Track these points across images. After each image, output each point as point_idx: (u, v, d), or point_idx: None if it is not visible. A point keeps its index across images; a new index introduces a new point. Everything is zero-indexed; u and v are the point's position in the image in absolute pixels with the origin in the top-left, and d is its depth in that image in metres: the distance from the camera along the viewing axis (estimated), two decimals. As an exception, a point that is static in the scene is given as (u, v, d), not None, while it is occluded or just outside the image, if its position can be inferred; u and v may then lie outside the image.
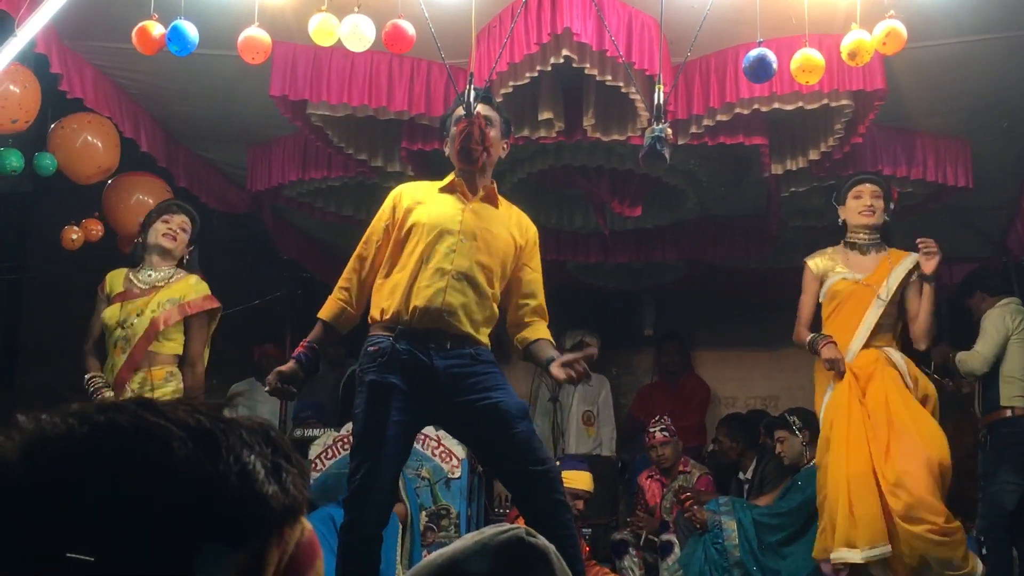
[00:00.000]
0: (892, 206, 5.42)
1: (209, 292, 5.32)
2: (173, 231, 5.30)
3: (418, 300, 4.00)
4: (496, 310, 4.21)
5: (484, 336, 4.14)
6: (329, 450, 6.59)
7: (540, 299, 4.31)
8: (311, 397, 8.36)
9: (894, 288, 5.22)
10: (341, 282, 4.26)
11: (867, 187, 5.36)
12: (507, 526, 1.52)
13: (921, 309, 5.25)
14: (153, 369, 5.13)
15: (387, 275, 4.14)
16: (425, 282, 4.02)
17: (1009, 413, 5.99)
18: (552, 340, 4.26)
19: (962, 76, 5.53)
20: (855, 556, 4.92)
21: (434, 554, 1.53)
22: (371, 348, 4.08)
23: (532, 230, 4.38)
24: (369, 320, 4.18)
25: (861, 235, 5.36)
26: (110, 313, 5.20)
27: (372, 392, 4.00)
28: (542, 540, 1.50)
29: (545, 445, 8.10)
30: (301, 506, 0.97)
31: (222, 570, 0.88)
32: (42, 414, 0.92)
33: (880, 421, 5.03)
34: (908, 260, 5.28)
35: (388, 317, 4.06)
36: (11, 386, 9.01)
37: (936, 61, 5.37)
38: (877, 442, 4.99)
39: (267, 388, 4.16)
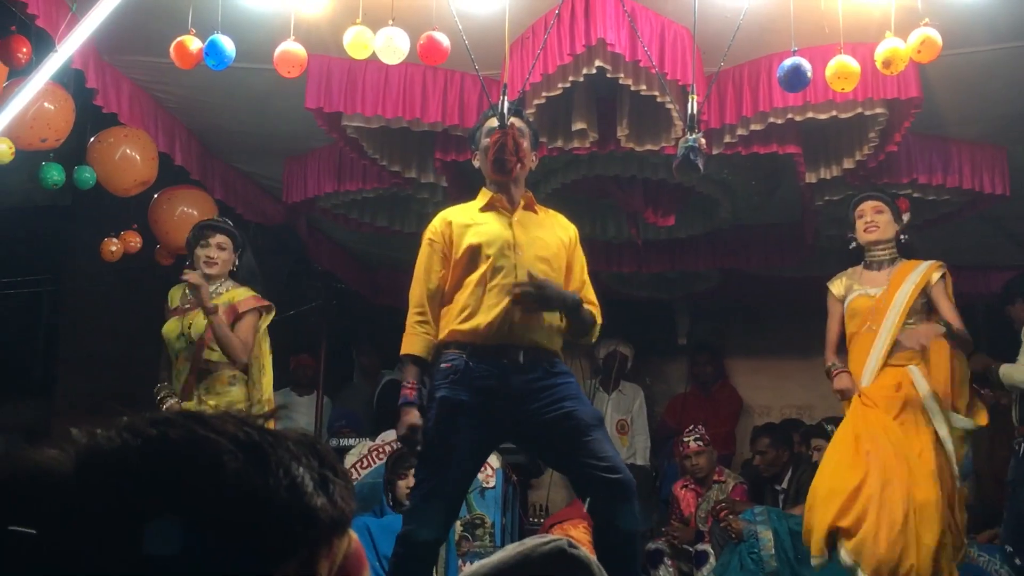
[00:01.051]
0: (904, 217, 5.37)
1: (256, 294, 5.47)
2: (212, 256, 5.42)
3: (488, 318, 4.03)
4: (561, 316, 4.20)
5: (557, 345, 4.16)
6: (364, 460, 6.62)
7: (589, 292, 4.32)
8: (345, 407, 8.41)
9: (905, 301, 5.15)
10: (415, 316, 4.19)
11: (867, 204, 5.35)
12: (549, 537, 1.54)
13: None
14: (216, 374, 5.30)
15: (452, 298, 4.16)
16: (492, 300, 4.05)
17: None
18: (591, 311, 4.24)
19: (998, 83, 5.50)
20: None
21: (476, 564, 1.55)
22: (444, 365, 4.09)
23: (572, 228, 4.43)
24: (441, 339, 4.18)
25: (872, 252, 5.35)
26: (170, 327, 5.40)
27: (442, 408, 4.02)
28: (583, 552, 1.51)
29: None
30: (349, 517, 0.99)
31: None
32: (96, 428, 0.94)
33: (880, 444, 5.01)
34: (921, 269, 5.20)
35: (460, 337, 4.08)
36: (51, 395, 9.12)
37: (972, 68, 5.34)
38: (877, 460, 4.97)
39: (413, 448, 4.12)
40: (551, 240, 4.23)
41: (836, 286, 5.43)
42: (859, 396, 5.13)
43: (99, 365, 8.63)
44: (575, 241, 4.38)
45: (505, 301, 4.03)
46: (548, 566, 1.48)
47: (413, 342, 4.18)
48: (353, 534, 1.01)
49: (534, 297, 4.03)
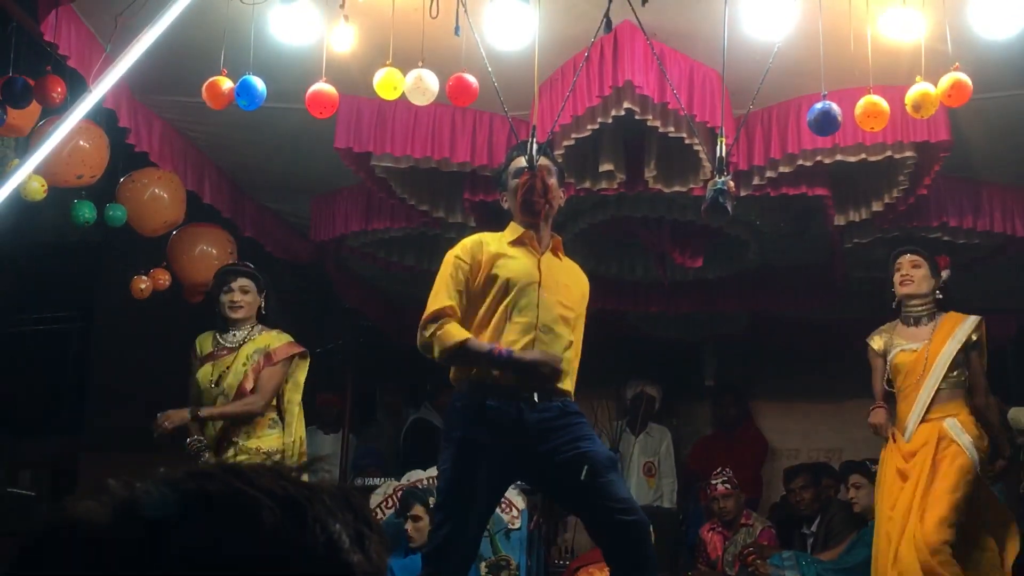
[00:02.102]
0: (944, 274, 5.38)
1: (292, 340, 5.41)
2: (236, 301, 5.34)
3: None
4: (577, 360, 4.20)
5: (570, 386, 4.13)
6: (388, 499, 6.59)
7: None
8: (371, 445, 8.40)
9: (952, 354, 5.20)
10: (443, 309, 4.05)
11: (905, 258, 5.37)
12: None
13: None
14: (257, 420, 5.24)
15: (471, 328, 4.08)
16: (512, 336, 4.01)
17: None
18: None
19: (1028, 127, 5.48)
20: None
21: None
22: (459, 405, 4.06)
23: (586, 280, 4.39)
24: (455, 376, 4.15)
25: (908, 307, 5.38)
26: (203, 373, 5.30)
27: (460, 449, 3.99)
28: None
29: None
30: (383, 573, 0.98)
31: None
32: (135, 480, 0.94)
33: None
34: (967, 324, 5.25)
35: (476, 373, 4.05)
36: (80, 431, 9.16)
37: (1002, 112, 5.33)
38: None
39: (555, 370, 4.01)
40: (574, 289, 4.21)
41: (876, 342, 5.45)
42: (897, 449, 5.23)
43: (128, 401, 8.64)
44: (587, 295, 4.35)
45: (526, 340, 4.00)
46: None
47: (460, 330, 4.02)
48: None
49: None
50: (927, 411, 5.19)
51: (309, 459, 5.02)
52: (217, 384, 5.26)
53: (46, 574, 0.89)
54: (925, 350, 5.23)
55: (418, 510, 6.00)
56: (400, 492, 6.51)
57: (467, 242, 4.25)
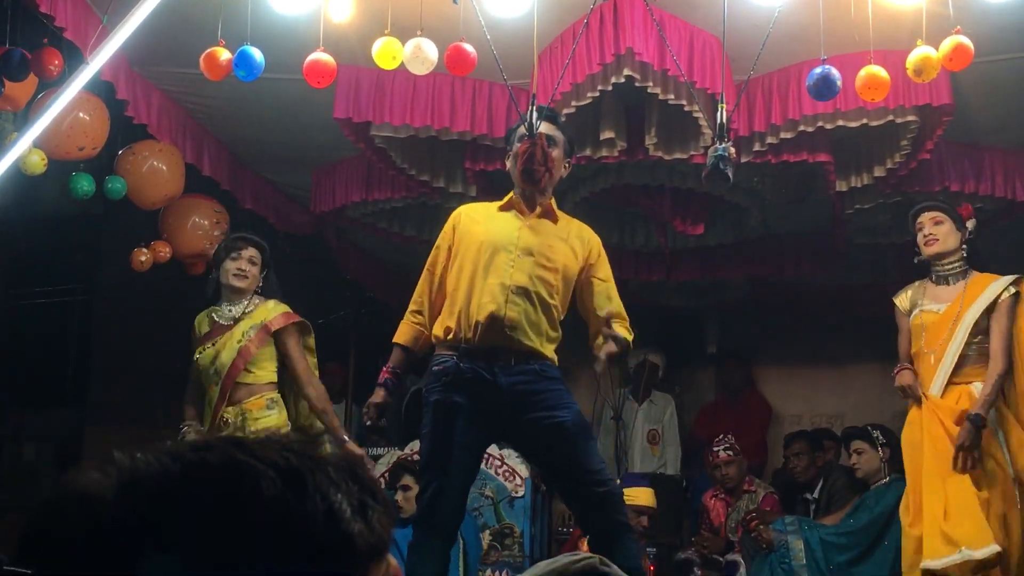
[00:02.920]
0: (969, 224, 5.11)
1: (289, 310, 5.28)
2: (243, 269, 5.19)
3: (479, 316, 4.01)
4: (558, 325, 4.19)
5: (549, 351, 4.12)
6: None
7: (615, 305, 4.18)
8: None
9: (976, 316, 4.92)
10: (412, 306, 4.30)
11: (925, 216, 5.08)
12: (581, 555, 1.53)
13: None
14: (251, 400, 5.10)
15: (448, 294, 4.17)
16: (486, 297, 4.03)
17: None
18: (623, 335, 4.08)
19: (1031, 90, 5.46)
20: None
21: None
22: (436, 368, 4.11)
23: (595, 240, 4.34)
24: (433, 339, 4.21)
25: (938, 266, 5.08)
26: (205, 356, 5.17)
27: (437, 412, 4.03)
28: (615, 570, 1.50)
29: (608, 464, 8.07)
30: (387, 543, 0.98)
31: None
32: (137, 452, 0.94)
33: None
34: (995, 285, 4.96)
35: (451, 336, 4.08)
36: (84, 404, 9.18)
37: (1004, 75, 5.31)
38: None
39: (368, 422, 4.27)
40: (560, 249, 4.17)
41: (901, 300, 5.20)
42: (927, 406, 4.97)
43: (131, 374, 8.68)
44: (597, 253, 4.30)
45: (498, 300, 4.01)
46: (580, 584, 1.47)
47: (403, 330, 4.30)
48: (392, 560, 1.00)
49: (617, 357, 4.04)
50: (951, 377, 4.93)
51: (314, 434, 5.03)
52: (214, 362, 5.13)
53: (52, 546, 0.89)
54: (952, 312, 4.97)
55: (407, 480, 6.03)
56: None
57: (452, 214, 4.39)
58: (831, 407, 8.70)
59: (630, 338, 4.15)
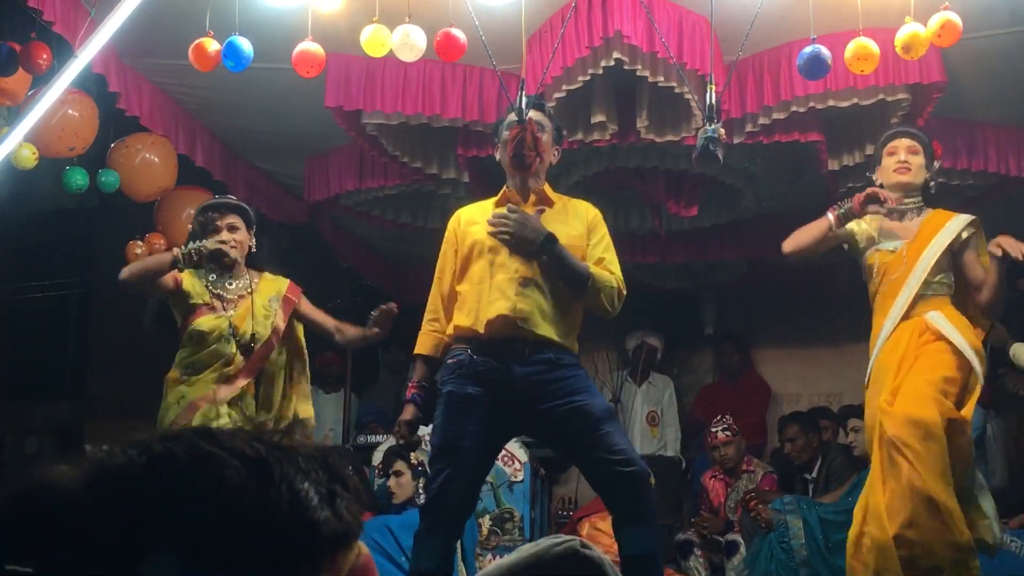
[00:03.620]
0: (936, 164, 4.77)
1: (288, 282, 4.95)
2: (226, 242, 4.69)
3: (491, 312, 4.01)
4: (574, 310, 4.16)
5: (565, 338, 4.10)
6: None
7: (609, 262, 4.19)
8: (374, 403, 8.44)
9: (936, 255, 4.50)
10: (428, 315, 4.25)
11: (903, 141, 4.65)
12: (563, 538, 1.53)
13: (985, 283, 4.50)
14: (298, 380, 4.96)
15: (460, 294, 4.17)
16: (495, 294, 4.04)
17: None
18: (598, 273, 4.08)
19: (1021, 65, 5.45)
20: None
21: (491, 566, 1.55)
22: (450, 360, 4.10)
23: (592, 211, 4.32)
24: (447, 338, 4.20)
25: (896, 198, 4.60)
26: (207, 323, 4.68)
27: (450, 402, 4.03)
28: (596, 552, 1.51)
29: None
30: (355, 531, 0.99)
31: None
32: (106, 445, 0.95)
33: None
34: (954, 223, 4.56)
35: (465, 331, 4.08)
36: (82, 396, 9.21)
37: (995, 51, 5.30)
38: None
39: (401, 441, 4.25)
40: (562, 233, 4.16)
41: (860, 224, 4.71)
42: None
43: (129, 365, 8.69)
44: (596, 222, 4.27)
45: (507, 294, 4.02)
46: (561, 566, 1.48)
47: (423, 341, 4.25)
48: (363, 547, 1.01)
49: (511, 226, 3.99)
50: (906, 312, 4.53)
51: (292, 422, 4.92)
52: (232, 340, 4.66)
53: (20, 538, 0.91)
54: (906, 248, 4.57)
55: (399, 466, 6.06)
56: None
57: (451, 220, 4.36)
58: (829, 386, 8.72)
59: (611, 280, 4.11)
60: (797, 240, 4.87)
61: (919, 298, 4.53)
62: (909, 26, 4.43)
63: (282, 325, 4.82)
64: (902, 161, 4.62)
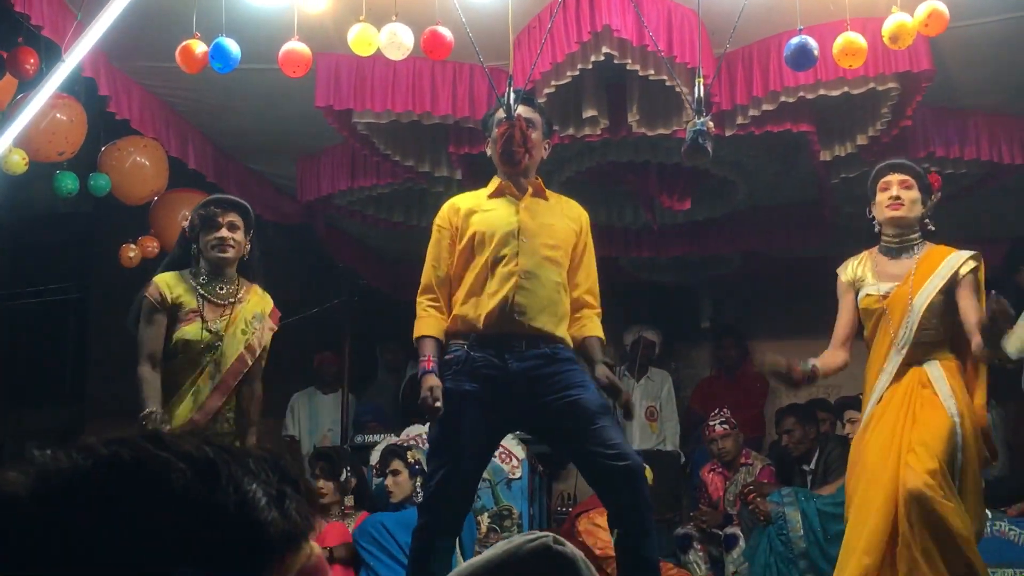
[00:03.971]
0: (934, 197, 4.52)
1: (272, 304, 4.75)
2: (225, 239, 4.54)
3: (490, 305, 4.02)
4: (569, 302, 4.19)
5: (562, 331, 4.11)
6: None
7: (590, 286, 4.25)
8: (372, 402, 8.44)
9: (930, 299, 4.31)
10: (427, 301, 4.18)
11: (895, 175, 4.43)
12: (536, 534, 1.53)
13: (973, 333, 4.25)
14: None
15: (458, 285, 4.17)
16: (494, 287, 4.04)
17: None
18: (600, 336, 4.22)
19: (1012, 53, 5.44)
20: None
21: (465, 564, 1.55)
22: (448, 357, 4.09)
23: (584, 216, 4.36)
24: (447, 327, 4.18)
25: (892, 234, 4.45)
26: (193, 332, 4.49)
27: (448, 399, 4.01)
28: (570, 548, 1.51)
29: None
30: (304, 532, 0.99)
31: None
32: (50, 449, 0.95)
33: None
34: (951, 259, 4.35)
35: (462, 326, 4.09)
36: (82, 399, 9.21)
37: (984, 39, 5.29)
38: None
39: (435, 408, 3.96)
40: (559, 227, 4.20)
41: (846, 272, 4.60)
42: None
43: (128, 369, 8.68)
44: (586, 228, 4.32)
45: (507, 288, 4.03)
46: (533, 563, 1.47)
47: (428, 323, 4.15)
48: (315, 547, 1.01)
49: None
50: (904, 360, 4.34)
51: (239, 427, 4.73)
52: (211, 349, 4.48)
53: None
54: (899, 292, 4.37)
55: (396, 464, 6.06)
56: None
57: (444, 208, 4.32)
58: (827, 378, 8.70)
59: (600, 333, 4.24)
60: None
61: (916, 343, 4.33)
62: (896, 16, 4.43)
63: (258, 347, 4.60)
64: (894, 197, 4.40)
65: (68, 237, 9.00)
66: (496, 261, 4.07)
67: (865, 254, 4.56)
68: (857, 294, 4.52)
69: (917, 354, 4.33)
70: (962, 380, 4.32)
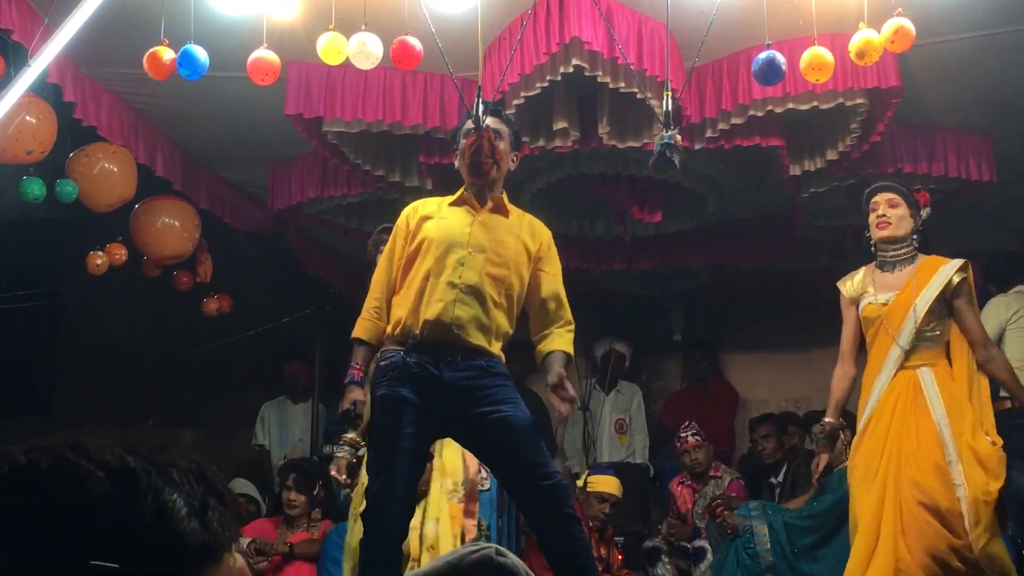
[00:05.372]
0: (923, 211, 4.91)
1: None
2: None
3: (428, 314, 4.01)
4: (509, 322, 4.18)
5: (496, 348, 4.12)
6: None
7: (557, 302, 4.24)
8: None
9: (929, 303, 4.72)
10: (371, 301, 4.24)
11: (881, 196, 4.87)
12: (479, 546, 1.53)
13: (974, 341, 4.78)
14: None
15: (399, 290, 4.17)
16: (436, 296, 4.03)
17: (1009, 404, 5.26)
18: (566, 350, 4.19)
19: (980, 71, 5.48)
20: None
21: (408, 575, 1.54)
22: (383, 363, 4.09)
23: (546, 234, 4.33)
24: (384, 333, 4.20)
25: (885, 250, 4.87)
26: None
27: (384, 405, 4.02)
28: (512, 559, 1.50)
29: (577, 455, 8.03)
30: (225, 543, 0.98)
31: None
32: None
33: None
34: (946, 269, 4.76)
35: (399, 331, 4.08)
36: (51, 409, 9.13)
37: (952, 56, 5.33)
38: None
39: (356, 419, 4.14)
40: (510, 244, 4.17)
41: (847, 286, 4.98)
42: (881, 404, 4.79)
43: (98, 379, 8.64)
44: (547, 247, 4.29)
45: (447, 298, 4.02)
46: (476, 574, 1.46)
47: (364, 327, 4.21)
48: (238, 558, 1.00)
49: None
50: (900, 364, 4.76)
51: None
52: None
53: None
54: (899, 300, 4.77)
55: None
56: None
57: (407, 208, 4.34)
58: (797, 391, 8.75)
59: (570, 349, 4.22)
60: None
61: (913, 349, 4.73)
62: (863, 32, 4.45)
63: None
64: (881, 216, 4.83)
65: (39, 244, 8.92)
66: (440, 270, 4.06)
67: (864, 269, 4.97)
68: (858, 306, 4.90)
69: (913, 361, 4.73)
70: (953, 386, 4.71)
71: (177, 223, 6.63)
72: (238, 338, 8.06)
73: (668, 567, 6.84)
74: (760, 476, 7.24)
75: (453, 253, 4.07)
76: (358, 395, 4.12)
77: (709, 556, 6.51)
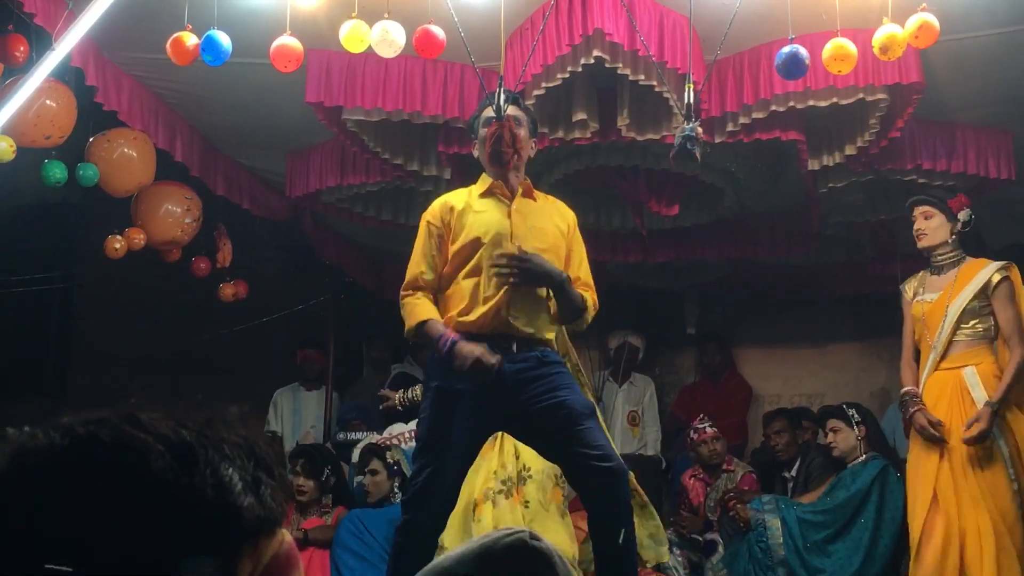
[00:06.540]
0: (960, 214, 5.30)
1: None
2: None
3: (483, 307, 4.05)
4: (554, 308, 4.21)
5: (550, 334, 4.17)
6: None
7: (583, 276, 4.31)
8: (357, 400, 8.43)
9: (964, 303, 5.12)
10: (409, 293, 4.20)
11: (918, 209, 5.34)
12: (513, 529, 1.53)
13: (1011, 339, 5.07)
14: None
15: (450, 285, 4.18)
16: (488, 291, 4.07)
17: None
18: (583, 295, 4.21)
19: (1001, 68, 5.46)
20: None
21: (440, 557, 1.55)
22: (438, 355, 4.09)
23: (570, 214, 4.42)
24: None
25: (932, 256, 5.33)
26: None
27: (438, 397, 4.05)
28: (545, 543, 1.51)
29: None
30: (278, 518, 1.00)
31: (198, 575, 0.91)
32: (29, 428, 0.95)
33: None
34: (984, 271, 5.17)
35: (455, 328, 4.09)
36: (64, 391, 9.18)
37: (974, 53, 5.31)
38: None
39: (491, 366, 3.95)
40: (549, 229, 4.24)
41: (907, 288, 5.43)
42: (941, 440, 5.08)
43: (112, 362, 8.69)
44: (574, 227, 4.38)
45: (500, 292, 4.05)
46: (509, 558, 1.47)
47: (426, 308, 4.12)
48: (287, 535, 1.02)
49: (519, 271, 4.02)
50: (940, 361, 5.14)
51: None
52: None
53: None
54: (938, 301, 5.18)
55: (375, 464, 6.08)
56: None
57: (435, 205, 4.33)
58: (810, 386, 8.75)
59: (593, 309, 4.24)
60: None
61: (954, 345, 5.12)
62: (886, 27, 4.44)
63: None
64: (918, 229, 5.30)
65: (55, 228, 8.95)
66: (491, 264, 4.08)
67: (922, 273, 5.43)
68: (911, 305, 5.33)
69: (956, 360, 5.09)
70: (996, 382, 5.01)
71: (178, 208, 6.61)
72: (251, 325, 8.08)
73: (679, 559, 6.83)
74: (772, 470, 7.23)
75: (500, 245, 4.11)
76: (472, 346, 3.96)
77: (721, 549, 6.52)
